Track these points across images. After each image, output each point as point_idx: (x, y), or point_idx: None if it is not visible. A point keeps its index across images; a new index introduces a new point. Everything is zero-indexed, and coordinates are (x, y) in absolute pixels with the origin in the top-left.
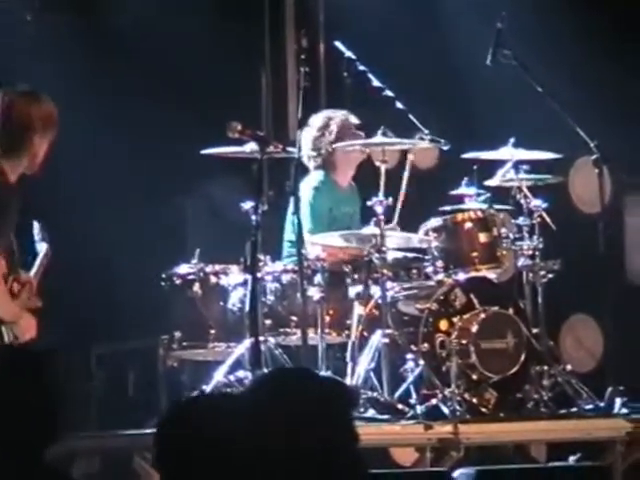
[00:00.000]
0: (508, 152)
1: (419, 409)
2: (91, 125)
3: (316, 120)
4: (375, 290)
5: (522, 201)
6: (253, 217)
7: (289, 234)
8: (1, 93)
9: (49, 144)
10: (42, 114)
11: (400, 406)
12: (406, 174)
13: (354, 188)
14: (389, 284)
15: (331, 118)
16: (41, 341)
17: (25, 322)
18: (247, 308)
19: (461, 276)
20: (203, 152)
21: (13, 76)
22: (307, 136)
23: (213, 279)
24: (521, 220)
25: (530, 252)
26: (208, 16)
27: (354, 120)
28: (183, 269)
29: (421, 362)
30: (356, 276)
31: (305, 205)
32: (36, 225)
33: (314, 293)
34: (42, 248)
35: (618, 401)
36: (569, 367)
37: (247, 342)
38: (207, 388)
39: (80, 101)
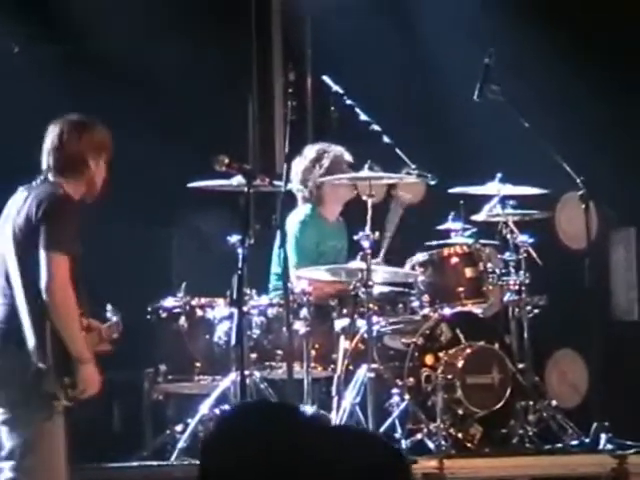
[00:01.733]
0: (495, 187)
1: (404, 444)
2: None
3: (310, 152)
4: (361, 324)
5: (508, 236)
6: (239, 250)
7: (276, 267)
8: (55, 123)
9: (106, 168)
10: (94, 142)
11: None
12: (398, 210)
13: (342, 223)
14: (375, 318)
15: (325, 152)
16: None
17: (89, 373)
18: (233, 341)
19: (447, 311)
20: (190, 185)
21: None
22: (298, 167)
23: (199, 312)
24: (507, 255)
25: (516, 287)
26: (195, 48)
27: (348, 158)
28: (169, 302)
29: (407, 397)
30: (343, 310)
31: (292, 239)
32: (109, 307)
33: (300, 327)
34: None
35: (603, 437)
36: (554, 402)
37: (233, 375)
38: (192, 422)
39: None
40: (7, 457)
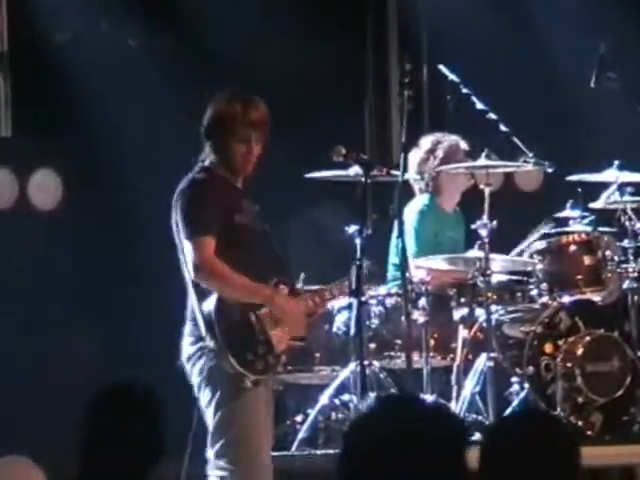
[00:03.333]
0: (613, 174)
1: None
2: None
3: (425, 142)
4: (480, 313)
5: (627, 223)
6: (357, 241)
7: (393, 257)
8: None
9: (258, 147)
10: (244, 116)
11: None
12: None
13: (459, 214)
14: (494, 307)
15: (440, 142)
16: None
17: (279, 304)
18: (352, 332)
19: (566, 299)
20: (307, 176)
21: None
22: (414, 158)
23: None
24: (626, 242)
25: (635, 274)
26: (312, 40)
27: (463, 146)
28: None
29: (526, 385)
30: (461, 299)
31: (410, 229)
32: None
33: (419, 316)
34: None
35: None
36: None
37: (352, 366)
38: (312, 412)
39: (184, 123)
40: (210, 439)
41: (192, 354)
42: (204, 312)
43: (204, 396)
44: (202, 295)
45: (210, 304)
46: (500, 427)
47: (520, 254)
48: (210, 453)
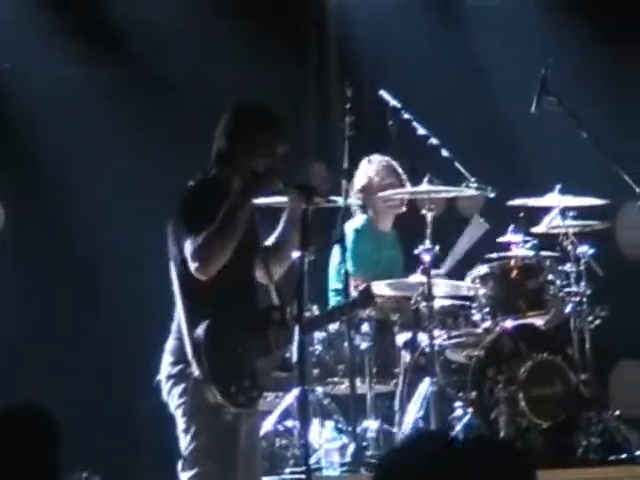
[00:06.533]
0: (555, 199)
1: None
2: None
3: (361, 164)
4: (422, 338)
5: (569, 247)
6: (299, 267)
7: (334, 283)
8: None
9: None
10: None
11: None
12: (474, 236)
13: (394, 233)
14: (436, 332)
15: (370, 162)
16: None
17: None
18: (295, 358)
19: (509, 323)
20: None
21: None
22: (355, 181)
23: None
24: (568, 266)
25: (577, 298)
26: (255, 67)
27: (392, 167)
28: None
29: (470, 410)
30: (404, 325)
31: (348, 247)
32: None
33: (361, 342)
34: None
35: None
36: (617, 413)
37: (295, 392)
38: None
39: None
40: (182, 465)
41: (173, 375)
42: (193, 337)
43: (181, 421)
44: (194, 318)
45: (201, 330)
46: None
47: (459, 270)
48: (182, 477)
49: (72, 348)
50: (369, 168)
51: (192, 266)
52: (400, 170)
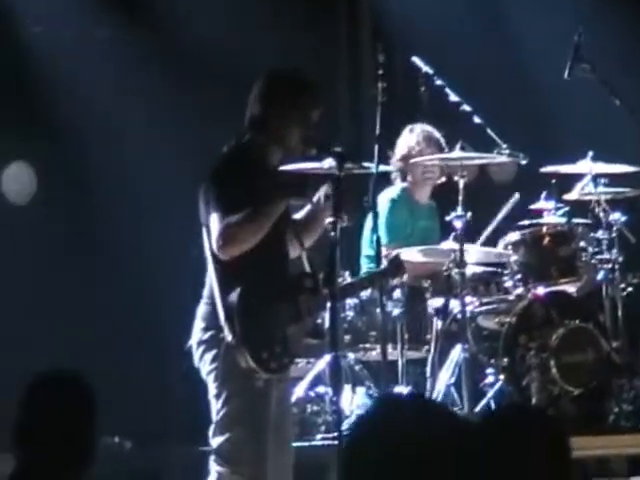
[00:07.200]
0: (586, 165)
1: None
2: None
3: (403, 133)
4: (454, 305)
5: (601, 214)
6: (332, 234)
7: (367, 249)
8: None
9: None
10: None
11: None
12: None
13: (433, 205)
14: (468, 299)
15: (415, 132)
16: None
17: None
18: (327, 324)
19: (540, 290)
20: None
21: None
22: (396, 149)
23: None
24: (600, 234)
25: (609, 265)
26: (284, 35)
27: (437, 138)
28: None
29: (501, 377)
30: (436, 291)
31: (382, 217)
32: None
33: (393, 308)
34: None
35: None
36: None
37: (327, 358)
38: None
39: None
40: (213, 431)
41: (204, 340)
42: (226, 302)
43: (212, 386)
44: (226, 284)
45: (234, 296)
46: (488, 425)
47: (491, 237)
48: (213, 442)
49: (102, 316)
50: (410, 137)
51: (216, 243)
52: (442, 141)
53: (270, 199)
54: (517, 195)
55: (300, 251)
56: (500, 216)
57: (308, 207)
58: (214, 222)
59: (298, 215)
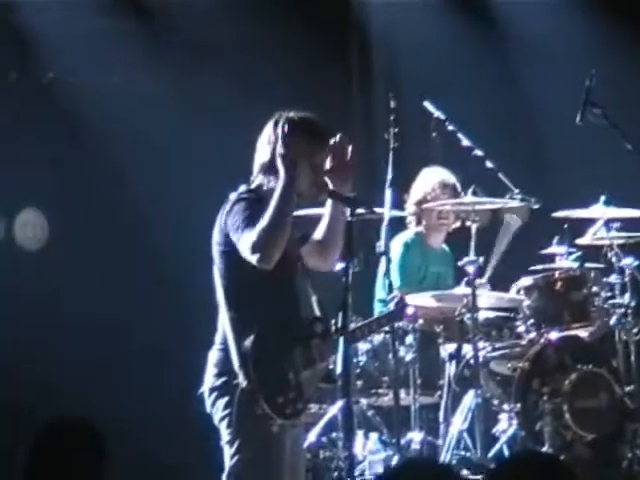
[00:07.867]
0: (599, 210)
1: None
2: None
3: (418, 178)
4: (467, 350)
5: (613, 259)
6: (344, 279)
7: (380, 294)
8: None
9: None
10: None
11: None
12: (507, 235)
13: (446, 250)
14: (481, 344)
15: (430, 178)
16: None
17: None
18: (339, 369)
19: (553, 335)
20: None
21: None
22: (411, 193)
23: None
24: (613, 278)
25: (622, 310)
26: (299, 76)
27: (452, 184)
28: None
29: (514, 422)
30: (448, 336)
31: (395, 261)
32: None
33: (406, 354)
34: None
35: None
36: None
37: (339, 403)
38: None
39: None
40: (227, 476)
41: (217, 387)
42: (241, 348)
43: (225, 433)
44: (241, 329)
45: (249, 342)
46: (502, 470)
47: (502, 278)
48: None
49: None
50: (425, 182)
51: (254, 258)
52: (458, 185)
53: (283, 190)
54: (515, 216)
55: (332, 265)
56: (505, 242)
57: (321, 228)
58: (242, 244)
59: (317, 234)
